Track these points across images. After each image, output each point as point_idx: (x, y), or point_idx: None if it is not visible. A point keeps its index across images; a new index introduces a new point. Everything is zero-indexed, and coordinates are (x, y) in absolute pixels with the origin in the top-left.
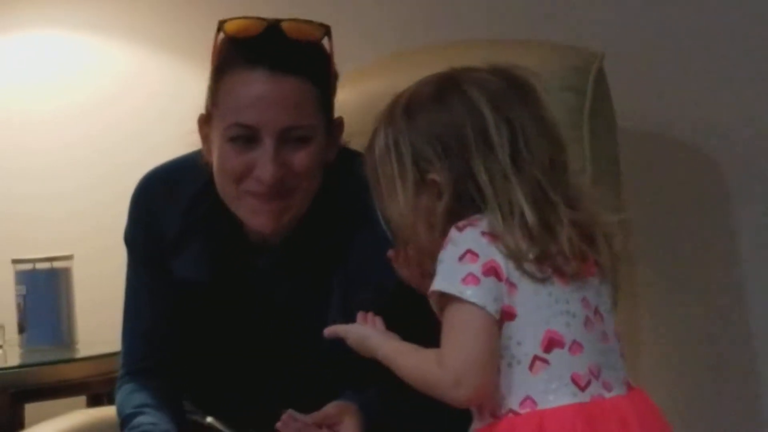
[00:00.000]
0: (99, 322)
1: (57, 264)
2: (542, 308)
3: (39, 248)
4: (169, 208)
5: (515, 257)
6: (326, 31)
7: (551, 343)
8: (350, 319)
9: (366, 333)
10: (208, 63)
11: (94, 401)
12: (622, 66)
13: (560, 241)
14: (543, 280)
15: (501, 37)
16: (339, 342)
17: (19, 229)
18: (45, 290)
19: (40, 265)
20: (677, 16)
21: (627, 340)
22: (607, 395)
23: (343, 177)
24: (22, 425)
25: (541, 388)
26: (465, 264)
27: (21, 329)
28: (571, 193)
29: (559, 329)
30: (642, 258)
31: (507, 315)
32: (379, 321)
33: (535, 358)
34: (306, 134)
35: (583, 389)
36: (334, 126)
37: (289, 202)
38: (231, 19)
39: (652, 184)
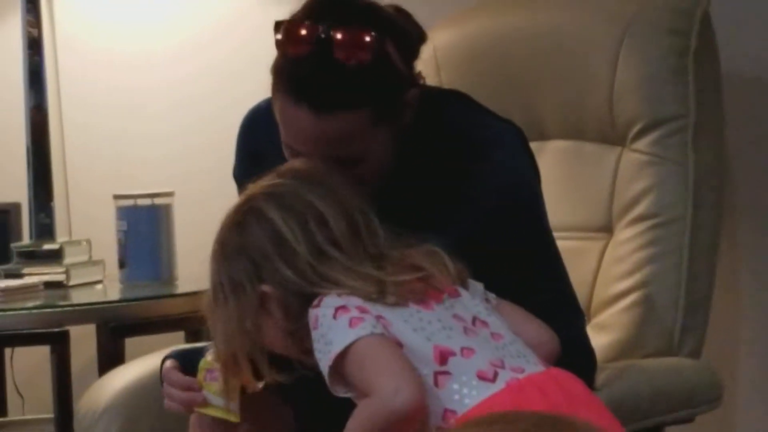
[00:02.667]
0: (198, 261)
1: (158, 200)
2: (419, 330)
3: (140, 187)
4: (272, 139)
5: (374, 298)
6: (383, 33)
7: (444, 355)
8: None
9: None
10: None
11: (193, 337)
12: (727, 9)
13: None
14: (406, 308)
15: None
16: None
17: (121, 168)
18: (146, 226)
19: (141, 201)
20: None
21: (728, 290)
22: (521, 376)
23: (433, 116)
24: (122, 359)
25: (455, 397)
26: (341, 317)
27: (121, 265)
28: (374, 251)
29: (443, 342)
30: (743, 204)
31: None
32: None
33: (436, 374)
34: (357, 158)
35: (493, 380)
36: (405, 104)
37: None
38: (285, 21)
39: (756, 130)
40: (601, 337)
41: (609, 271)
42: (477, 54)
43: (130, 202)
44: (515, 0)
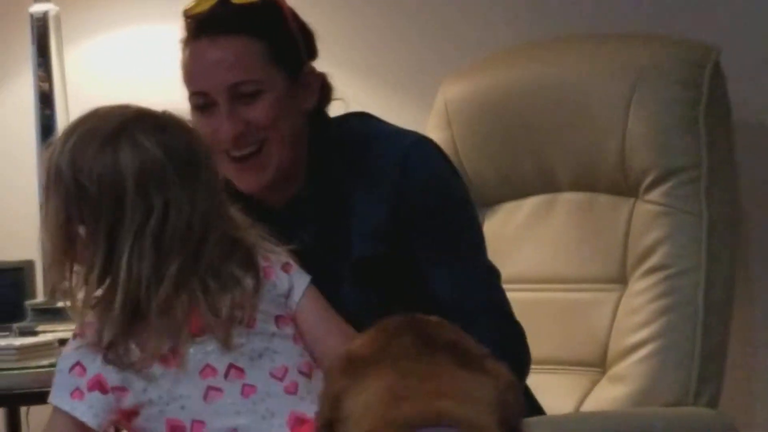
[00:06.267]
0: None
1: None
2: (155, 403)
3: None
4: None
5: (111, 360)
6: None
7: (174, 430)
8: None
9: None
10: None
11: None
12: (738, 58)
13: (151, 333)
14: (146, 372)
15: (614, 31)
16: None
17: None
18: None
19: None
20: None
21: (742, 341)
22: None
23: (337, 135)
24: None
25: None
26: (74, 377)
27: None
28: (205, 260)
29: (175, 416)
30: (757, 253)
31: (131, 414)
32: None
33: None
34: (256, 88)
35: None
36: (304, 75)
37: (262, 158)
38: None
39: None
40: (617, 388)
41: (624, 322)
42: (488, 107)
43: None
44: (525, 52)
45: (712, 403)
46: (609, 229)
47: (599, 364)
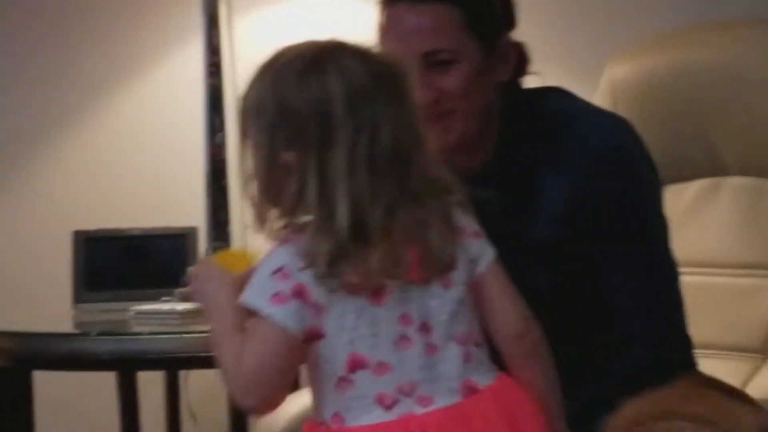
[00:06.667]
0: None
1: None
2: (346, 330)
3: None
4: None
5: (324, 277)
6: None
7: (355, 365)
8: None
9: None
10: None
11: None
12: None
13: (374, 255)
14: (353, 298)
15: None
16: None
17: None
18: None
19: None
20: None
21: None
22: (420, 411)
23: (532, 110)
24: (297, 384)
25: (348, 405)
26: (276, 281)
27: None
28: (411, 191)
29: (363, 351)
30: None
31: (316, 335)
32: None
33: (341, 378)
34: (450, 57)
35: (388, 408)
36: (501, 47)
37: (449, 123)
38: None
39: None
40: None
41: None
42: (654, 88)
43: None
44: (693, 35)
45: None
46: None
47: (761, 350)
